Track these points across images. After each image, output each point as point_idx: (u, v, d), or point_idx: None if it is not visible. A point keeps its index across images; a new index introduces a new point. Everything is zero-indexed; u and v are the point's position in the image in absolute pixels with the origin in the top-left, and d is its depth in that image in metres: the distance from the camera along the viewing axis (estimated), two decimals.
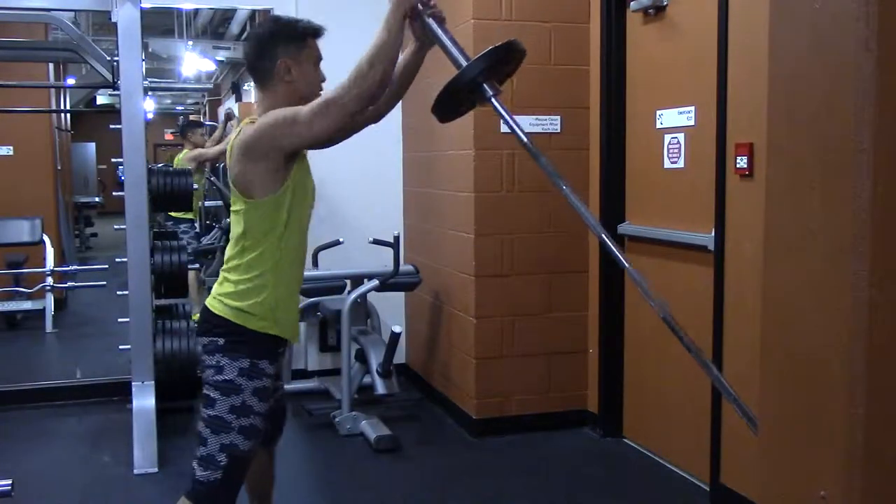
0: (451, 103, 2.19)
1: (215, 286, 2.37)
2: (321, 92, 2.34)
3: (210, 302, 2.33)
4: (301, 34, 2.34)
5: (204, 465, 2.25)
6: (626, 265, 2.00)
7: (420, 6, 2.23)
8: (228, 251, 2.34)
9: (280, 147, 2.19)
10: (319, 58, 2.40)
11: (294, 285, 2.39)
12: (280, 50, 2.30)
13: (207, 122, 15.22)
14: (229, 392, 2.24)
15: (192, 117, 12.90)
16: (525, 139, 2.05)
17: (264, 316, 2.27)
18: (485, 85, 2.08)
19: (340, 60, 5.81)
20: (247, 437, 2.25)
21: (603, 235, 2.03)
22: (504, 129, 4.15)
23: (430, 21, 2.25)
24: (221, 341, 2.26)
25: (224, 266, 2.35)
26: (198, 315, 6.98)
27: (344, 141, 2.53)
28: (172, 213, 6.84)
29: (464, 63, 2.11)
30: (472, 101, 2.19)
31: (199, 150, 6.82)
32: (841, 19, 1.53)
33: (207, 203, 7.41)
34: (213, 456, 2.24)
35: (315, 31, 2.38)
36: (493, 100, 2.08)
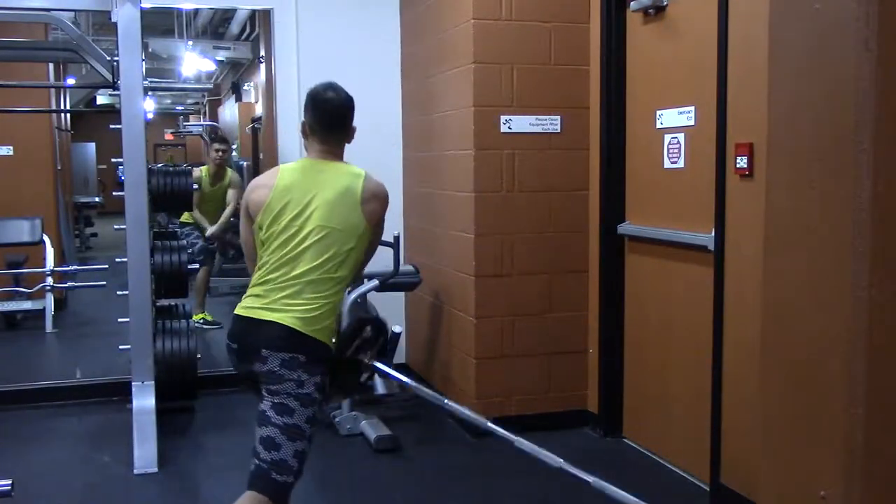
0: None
1: (286, 303, 2.46)
2: None
3: (286, 319, 2.44)
4: None
5: (277, 468, 2.40)
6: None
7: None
8: (312, 274, 2.47)
9: (377, 226, 2.65)
10: None
11: None
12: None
13: (207, 122, 15.24)
14: (308, 404, 2.43)
15: (220, 132, 12.61)
16: (413, 384, 2.78)
17: (332, 332, 2.53)
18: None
19: (340, 61, 5.81)
20: (311, 443, 2.47)
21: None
22: (504, 129, 4.17)
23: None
24: (303, 358, 2.42)
25: (304, 284, 2.46)
26: (201, 315, 6.94)
27: None
28: (182, 220, 6.83)
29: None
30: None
31: (235, 206, 6.67)
32: (841, 19, 1.53)
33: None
34: (286, 461, 2.41)
35: None
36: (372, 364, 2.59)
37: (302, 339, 2.42)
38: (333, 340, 2.54)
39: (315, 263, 2.46)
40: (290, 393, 2.41)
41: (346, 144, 2.64)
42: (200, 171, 6.64)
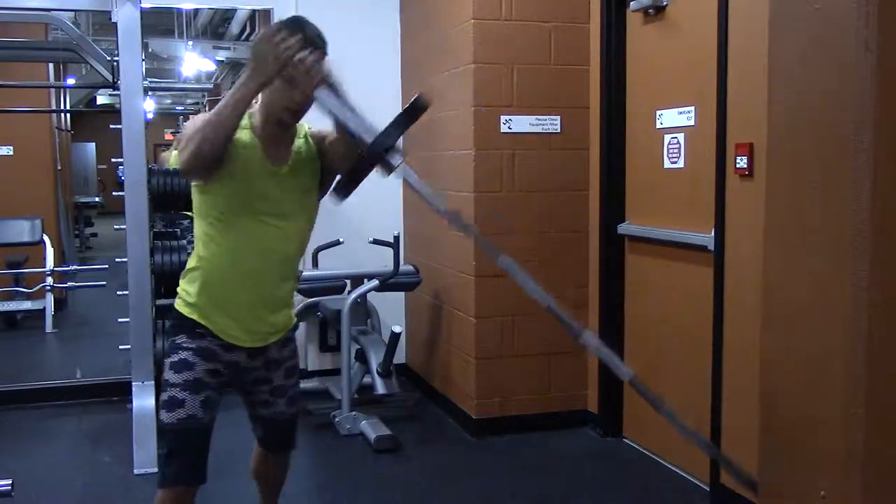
0: (356, 182, 2.13)
1: None
2: (295, 114, 2.29)
3: None
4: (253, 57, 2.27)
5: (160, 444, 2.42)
6: (581, 332, 2.01)
7: (298, 77, 2.08)
8: None
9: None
10: (290, 78, 2.18)
11: (236, 286, 2.32)
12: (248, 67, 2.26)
13: None
14: (162, 372, 2.38)
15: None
16: (442, 208, 2.06)
17: (191, 304, 2.33)
18: (391, 156, 2.02)
19: (340, 61, 5.79)
20: (167, 409, 2.30)
21: (551, 306, 2.01)
22: (504, 129, 4.16)
23: (324, 97, 2.09)
24: (168, 324, 2.41)
25: None
26: None
27: None
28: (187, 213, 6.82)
29: (367, 140, 2.03)
30: (373, 168, 2.12)
31: None
32: (841, 19, 1.53)
33: None
34: (162, 432, 2.38)
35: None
36: (400, 170, 2.04)
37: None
38: (193, 314, 2.32)
39: None
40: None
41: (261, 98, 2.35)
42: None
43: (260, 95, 2.27)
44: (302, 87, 2.11)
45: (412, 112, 2.06)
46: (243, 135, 2.27)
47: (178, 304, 2.36)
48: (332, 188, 2.17)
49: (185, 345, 2.32)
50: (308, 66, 2.11)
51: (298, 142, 2.38)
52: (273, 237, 2.33)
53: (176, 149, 2.15)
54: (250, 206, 2.29)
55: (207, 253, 2.31)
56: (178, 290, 2.38)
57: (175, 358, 2.32)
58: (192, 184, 2.29)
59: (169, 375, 2.31)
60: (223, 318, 2.33)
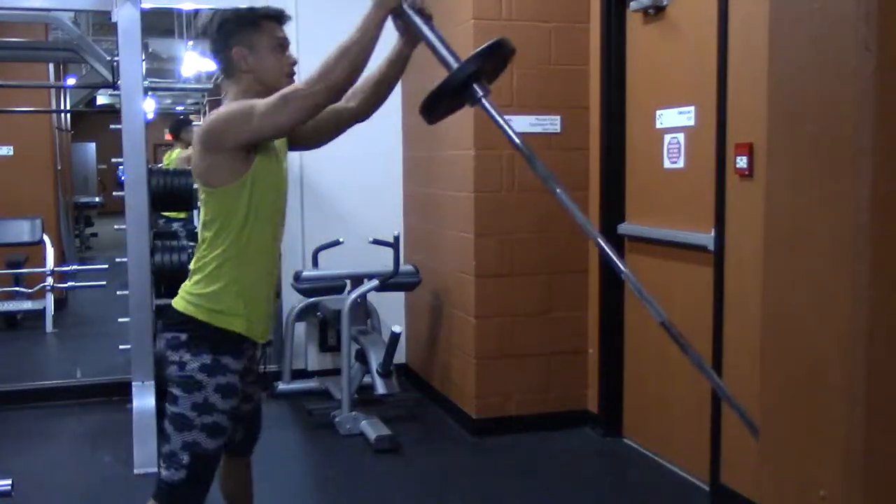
0: (439, 104, 2.11)
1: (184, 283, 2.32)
2: (290, 79, 2.26)
3: (175, 299, 2.28)
4: (253, 19, 2.26)
5: (167, 463, 2.21)
6: (624, 269, 1.99)
7: (405, 4, 2.13)
8: (197, 245, 2.29)
9: (235, 140, 2.13)
10: (281, 44, 2.28)
11: (259, 283, 2.28)
12: (234, 39, 2.23)
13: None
14: (191, 389, 2.19)
15: (185, 117, 12.84)
16: (518, 141, 2.00)
17: (223, 310, 2.21)
18: (475, 86, 2.02)
19: None
20: (210, 434, 2.19)
21: (599, 240, 1.99)
22: None
23: (417, 19, 2.16)
24: (184, 337, 2.20)
25: (192, 261, 2.30)
26: None
27: (330, 142, 2.45)
28: (164, 213, 6.81)
29: (454, 64, 2.07)
30: (462, 101, 2.11)
31: (187, 153, 6.79)
32: (841, 19, 1.53)
33: None
34: (174, 453, 2.19)
35: (271, 15, 2.30)
36: (483, 101, 2.02)
37: (180, 316, 2.23)
38: (233, 325, 2.23)
39: (199, 240, 2.28)
40: (171, 378, 2.22)
41: (238, 77, 2.27)
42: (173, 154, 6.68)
43: (244, 76, 2.24)
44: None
45: (497, 48, 2.08)
46: None
47: (209, 315, 2.21)
48: (421, 108, 2.11)
49: (231, 366, 2.22)
50: None
51: None
52: (280, 227, 2.35)
53: (245, 120, 1.98)
54: (274, 196, 2.28)
55: (237, 251, 2.20)
56: (193, 295, 2.23)
57: (223, 381, 2.20)
58: (217, 185, 2.18)
59: (215, 399, 2.19)
60: (256, 318, 2.28)
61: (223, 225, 2.20)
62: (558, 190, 1.99)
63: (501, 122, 2.00)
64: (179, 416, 2.19)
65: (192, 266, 2.29)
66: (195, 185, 2.37)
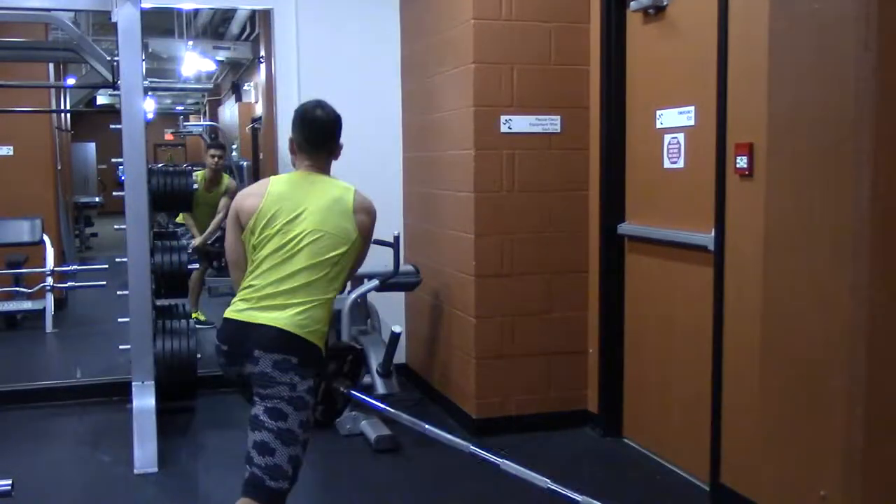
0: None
1: (279, 304, 2.47)
2: None
3: (278, 321, 2.44)
4: None
5: (271, 474, 2.39)
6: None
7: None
8: (305, 266, 2.49)
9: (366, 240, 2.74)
10: None
11: None
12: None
13: (207, 122, 15.22)
14: (301, 408, 2.43)
15: (218, 136, 12.71)
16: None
17: (324, 335, 2.53)
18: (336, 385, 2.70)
19: (340, 61, 5.81)
20: (305, 449, 2.47)
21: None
22: (504, 129, 4.17)
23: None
24: (295, 360, 2.42)
25: (297, 287, 2.48)
26: (200, 315, 6.97)
27: None
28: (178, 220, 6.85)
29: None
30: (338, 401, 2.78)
31: (224, 214, 6.68)
32: (841, 19, 1.53)
33: None
34: (280, 466, 2.40)
35: None
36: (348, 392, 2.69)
37: (294, 340, 2.43)
38: (324, 345, 2.55)
39: (308, 264, 2.48)
40: (282, 396, 2.41)
41: (334, 161, 2.71)
42: (196, 175, 6.65)
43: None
44: None
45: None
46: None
47: (318, 338, 2.50)
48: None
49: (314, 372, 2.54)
50: None
51: None
52: None
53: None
54: None
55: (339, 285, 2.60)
56: (315, 329, 2.48)
57: (311, 384, 2.49)
58: (355, 250, 2.64)
59: (309, 399, 2.47)
60: None
61: (341, 272, 2.58)
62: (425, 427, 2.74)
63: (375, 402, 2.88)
64: (287, 432, 2.41)
65: (304, 298, 2.49)
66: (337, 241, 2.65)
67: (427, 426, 2.78)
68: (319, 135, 2.64)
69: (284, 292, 2.46)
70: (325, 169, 2.66)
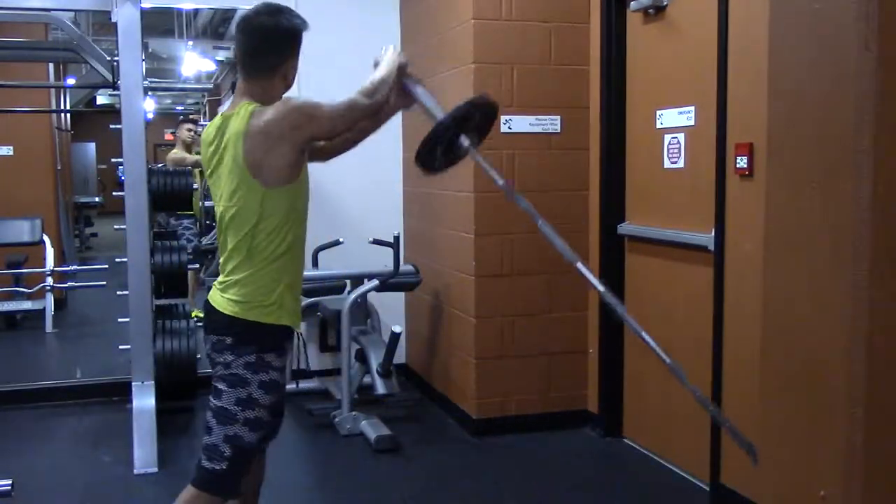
0: (433, 156, 2.30)
1: (218, 282, 2.38)
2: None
3: (215, 298, 2.35)
4: (301, 36, 2.33)
5: (209, 454, 2.32)
6: (601, 288, 2.22)
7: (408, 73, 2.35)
8: (231, 243, 2.31)
9: (306, 135, 2.24)
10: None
11: (299, 276, 2.42)
12: (291, 49, 2.31)
13: (208, 122, 15.25)
14: (235, 385, 2.30)
15: (184, 116, 12.88)
16: (501, 182, 2.38)
17: (273, 305, 2.30)
18: (462, 136, 2.24)
19: (340, 60, 5.82)
20: (252, 428, 2.31)
21: (579, 265, 2.28)
22: (504, 129, 4.16)
23: (412, 85, 2.37)
24: (229, 340, 2.30)
25: (228, 260, 2.33)
26: (199, 312, 6.99)
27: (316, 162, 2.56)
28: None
29: (440, 117, 2.24)
30: (455, 155, 2.33)
31: (180, 155, 6.77)
32: (841, 19, 1.53)
33: (207, 203, 7.41)
34: (216, 445, 2.32)
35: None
36: (471, 150, 2.27)
37: (226, 320, 2.30)
38: (282, 319, 2.32)
39: (235, 242, 2.30)
40: (219, 375, 2.33)
41: (270, 83, 2.29)
42: (174, 152, 6.74)
43: (278, 85, 2.32)
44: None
45: (477, 103, 2.30)
46: None
47: (253, 312, 2.28)
48: (416, 159, 2.29)
49: (274, 364, 2.33)
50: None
51: None
52: (306, 227, 2.47)
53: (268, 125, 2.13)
54: (308, 193, 2.41)
55: (286, 248, 2.31)
56: (244, 299, 2.28)
57: (265, 378, 2.31)
58: (275, 185, 2.24)
59: (259, 395, 2.30)
60: (297, 307, 2.40)
61: (278, 224, 2.28)
62: (540, 221, 2.33)
63: (489, 168, 2.31)
64: (223, 410, 2.30)
65: (231, 266, 2.32)
66: (208, 184, 2.42)
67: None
68: (243, 44, 2.28)
69: (226, 270, 2.34)
70: (255, 94, 2.27)
